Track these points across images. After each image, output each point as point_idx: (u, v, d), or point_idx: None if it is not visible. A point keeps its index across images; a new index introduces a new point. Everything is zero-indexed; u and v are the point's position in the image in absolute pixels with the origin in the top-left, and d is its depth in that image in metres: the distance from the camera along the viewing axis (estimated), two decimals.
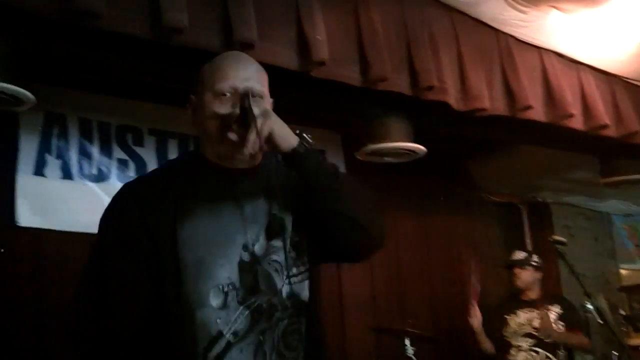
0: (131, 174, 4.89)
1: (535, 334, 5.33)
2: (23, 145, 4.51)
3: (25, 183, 4.47)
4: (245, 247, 1.97)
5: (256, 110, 1.92)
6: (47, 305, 4.39)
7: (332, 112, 4.65)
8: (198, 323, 1.89)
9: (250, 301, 1.94)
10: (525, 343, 5.37)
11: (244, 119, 1.93)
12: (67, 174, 4.65)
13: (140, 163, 4.97)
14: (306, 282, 2.07)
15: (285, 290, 2.00)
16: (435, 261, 6.49)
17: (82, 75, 4.10)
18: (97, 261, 2.00)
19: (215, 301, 1.90)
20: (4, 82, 3.20)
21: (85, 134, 4.78)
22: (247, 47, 3.36)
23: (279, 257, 2.02)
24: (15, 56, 3.29)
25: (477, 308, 5.56)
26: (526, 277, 5.60)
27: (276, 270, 2.00)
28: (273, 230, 2.04)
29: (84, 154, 4.75)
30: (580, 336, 5.32)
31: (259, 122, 1.90)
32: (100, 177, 4.79)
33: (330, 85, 3.88)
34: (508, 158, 6.41)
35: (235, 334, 1.91)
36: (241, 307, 1.93)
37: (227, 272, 1.93)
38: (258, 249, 1.99)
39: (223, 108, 1.99)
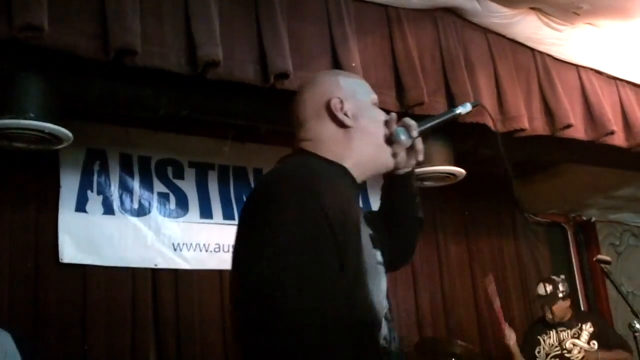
0: (172, 206, 4.92)
1: (567, 355, 5.25)
2: (64, 183, 4.56)
3: (68, 220, 4.52)
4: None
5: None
6: (95, 338, 4.43)
7: None
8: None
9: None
10: None
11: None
12: (108, 210, 4.69)
13: (181, 196, 5.00)
14: None
15: None
16: (481, 284, 6.38)
17: (121, 111, 4.13)
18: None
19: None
20: (42, 121, 3.22)
21: (126, 169, 4.82)
22: (282, 77, 3.37)
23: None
24: (54, 95, 3.32)
25: (509, 327, 5.45)
26: (556, 310, 5.39)
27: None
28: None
29: (125, 188, 4.79)
30: (619, 352, 5.21)
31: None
32: (141, 212, 4.82)
33: None
34: (552, 177, 6.34)
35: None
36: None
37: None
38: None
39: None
